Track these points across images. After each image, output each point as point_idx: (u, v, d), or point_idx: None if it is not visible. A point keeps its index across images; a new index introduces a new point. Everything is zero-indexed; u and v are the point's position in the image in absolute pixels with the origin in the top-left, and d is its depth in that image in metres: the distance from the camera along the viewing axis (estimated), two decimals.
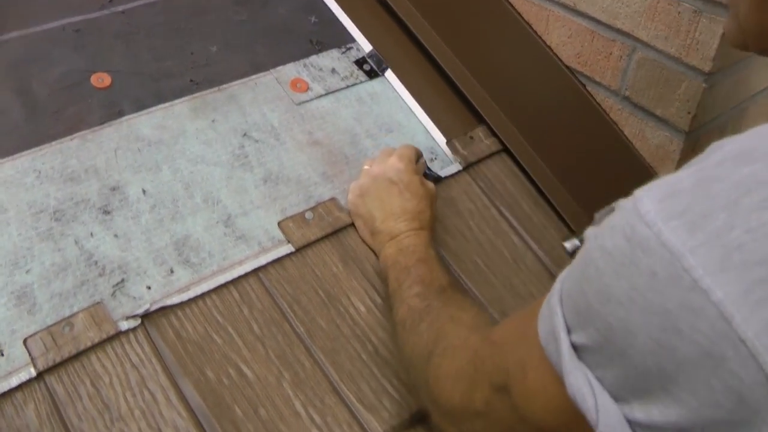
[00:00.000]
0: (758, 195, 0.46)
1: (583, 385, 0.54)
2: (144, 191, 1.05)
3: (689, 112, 1.00)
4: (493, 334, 0.74)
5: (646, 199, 0.49)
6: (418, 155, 1.12)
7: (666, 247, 0.47)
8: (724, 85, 1.01)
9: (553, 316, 0.57)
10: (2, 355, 0.88)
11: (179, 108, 1.14)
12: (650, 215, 0.48)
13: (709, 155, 0.51)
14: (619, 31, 1.04)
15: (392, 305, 0.96)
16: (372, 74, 1.27)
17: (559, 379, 0.56)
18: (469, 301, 0.93)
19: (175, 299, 0.97)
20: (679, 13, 0.96)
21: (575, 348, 0.55)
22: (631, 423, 0.52)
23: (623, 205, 0.51)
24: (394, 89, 1.27)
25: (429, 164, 1.18)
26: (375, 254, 1.06)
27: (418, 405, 0.94)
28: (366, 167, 1.11)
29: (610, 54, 1.07)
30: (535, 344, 0.60)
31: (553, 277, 1.12)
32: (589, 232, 0.54)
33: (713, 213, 0.47)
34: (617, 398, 0.52)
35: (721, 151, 0.50)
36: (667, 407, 0.49)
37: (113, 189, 1.04)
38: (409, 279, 0.95)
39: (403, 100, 1.26)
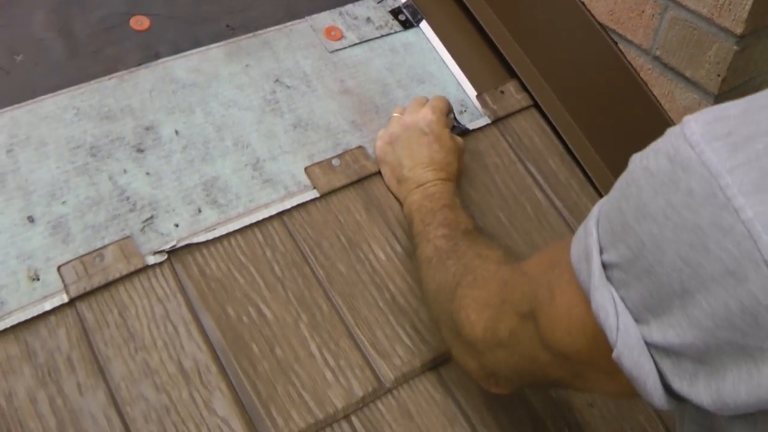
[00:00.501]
0: None
1: (607, 302, 0.55)
2: (176, 132, 1.08)
3: (719, 75, 1.00)
4: (524, 265, 0.76)
5: (693, 122, 0.50)
6: (449, 108, 1.14)
7: (706, 166, 0.47)
8: (758, 47, 1.00)
9: (587, 236, 0.58)
10: (38, 279, 0.93)
11: (214, 52, 1.17)
12: (695, 137, 0.49)
13: (765, 90, 0.52)
14: None
15: (417, 245, 0.98)
16: (407, 25, 1.28)
17: (584, 301, 0.58)
18: (497, 242, 0.94)
19: (201, 237, 1.00)
20: None
21: (605, 267, 0.56)
22: (648, 345, 0.54)
23: (671, 130, 0.52)
24: (428, 40, 1.28)
25: (458, 116, 1.19)
26: (399, 202, 1.09)
27: (442, 339, 0.96)
28: (396, 114, 1.13)
29: (643, 12, 1.06)
30: (566, 268, 0.61)
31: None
32: (634, 156, 0.55)
33: (757, 137, 0.47)
34: (638, 319, 0.54)
35: None
36: (684, 329, 0.50)
37: (147, 128, 1.07)
38: (435, 221, 0.97)
39: (436, 51, 1.27)
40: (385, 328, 1.00)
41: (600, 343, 0.56)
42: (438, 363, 1.00)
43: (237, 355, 0.94)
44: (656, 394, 0.54)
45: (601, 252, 0.56)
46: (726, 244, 0.46)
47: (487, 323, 0.77)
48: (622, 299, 0.55)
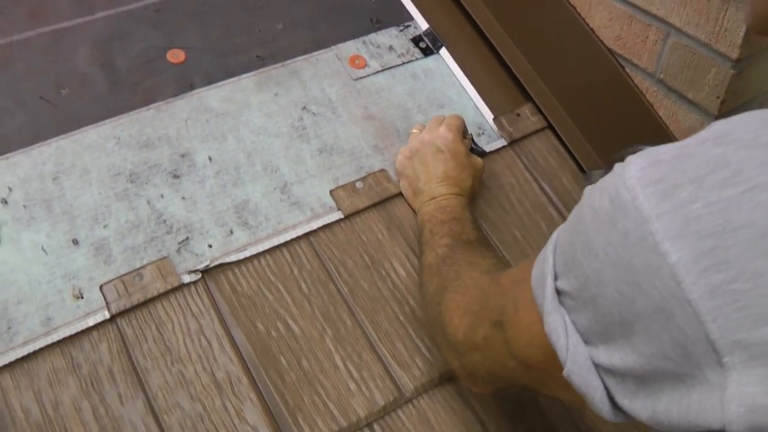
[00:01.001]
0: (722, 174, 0.51)
1: (558, 325, 0.61)
2: (210, 158, 1.15)
3: (718, 97, 1.05)
4: (501, 276, 0.83)
5: (632, 165, 0.55)
6: (465, 127, 1.20)
7: (638, 210, 0.53)
8: (754, 70, 1.05)
9: (545, 262, 0.64)
10: (82, 297, 1.01)
11: (245, 82, 1.24)
12: (632, 181, 0.54)
13: (700, 133, 0.57)
14: (654, 17, 1.09)
15: (422, 252, 1.05)
16: (427, 51, 1.35)
17: (541, 320, 0.64)
18: (491, 252, 1.01)
19: (233, 257, 1.08)
20: (709, 0, 1.01)
21: (558, 292, 0.62)
22: (596, 366, 0.59)
23: (615, 169, 0.57)
24: (448, 66, 1.34)
25: (476, 139, 1.25)
26: (414, 212, 1.15)
27: (432, 340, 1.04)
28: (415, 131, 1.20)
29: (647, 38, 1.11)
30: (528, 286, 0.67)
31: None
32: (586, 189, 0.61)
33: (683, 185, 0.52)
34: (587, 341, 0.60)
35: (708, 131, 0.56)
36: (626, 354, 0.56)
37: (183, 156, 1.15)
38: (442, 231, 1.04)
39: (455, 76, 1.33)
40: (405, 340, 1.06)
41: (555, 358, 0.62)
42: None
43: (266, 367, 1.01)
44: (604, 408, 0.60)
45: (556, 278, 0.63)
46: (656, 284, 0.52)
47: (467, 328, 0.84)
48: (573, 323, 0.61)
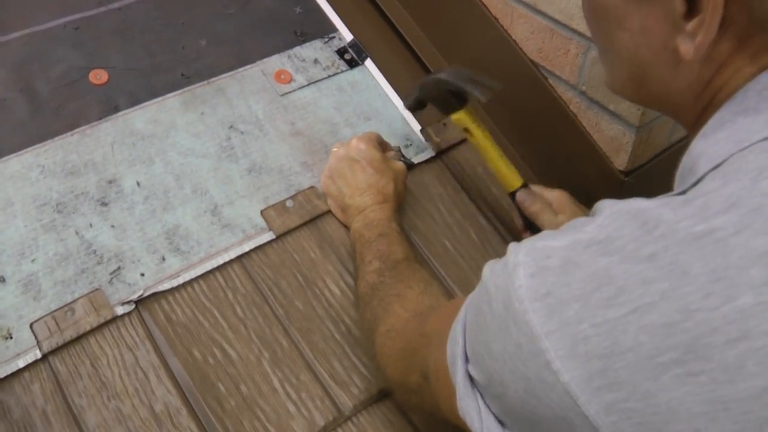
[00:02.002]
0: (607, 292, 0.53)
1: (472, 409, 0.64)
2: (138, 183, 1.14)
3: (638, 109, 1.08)
4: (426, 323, 0.84)
5: (521, 269, 0.57)
6: (381, 141, 1.21)
7: (529, 326, 0.55)
8: None
9: (455, 344, 0.66)
10: (11, 338, 1.00)
11: (171, 102, 1.23)
12: (521, 291, 0.56)
13: (586, 224, 0.59)
14: (575, 31, 1.11)
15: (356, 278, 1.07)
16: (352, 63, 1.35)
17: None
18: (418, 276, 1.02)
19: (166, 285, 1.07)
20: None
21: (470, 377, 0.65)
22: None
23: (507, 263, 0.59)
24: (374, 77, 1.35)
25: (404, 150, 1.26)
26: (347, 229, 1.16)
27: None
28: (335, 149, 1.20)
29: (568, 51, 1.14)
30: (446, 350, 0.69)
31: None
32: (486, 272, 0.63)
33: (569, 302, 0.54)
34: (502, 423, 0.63)
35: (594, 229, 0.57)
36: None
37: (110, 182, 1.14)
38: (370, 254, 1.05)
39: (381, 88, 1.34)
40: (342, 359, 1.07)
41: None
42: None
43: (205, 395, 1.01)
44: None
45: (468, 360, 0.65)
46: (552, 397, 0.55)
47: (401, 375, 0.87)
48: (487, 405, 0.63)
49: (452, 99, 1.15)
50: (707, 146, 0.61)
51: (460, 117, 1.16)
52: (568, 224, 0.62)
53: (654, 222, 0.54)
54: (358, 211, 1.12)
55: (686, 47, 0.63)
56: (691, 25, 0.61)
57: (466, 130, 1.17)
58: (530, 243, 0.60)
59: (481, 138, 1.16)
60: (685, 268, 0.52)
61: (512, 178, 1.15)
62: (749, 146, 0.57)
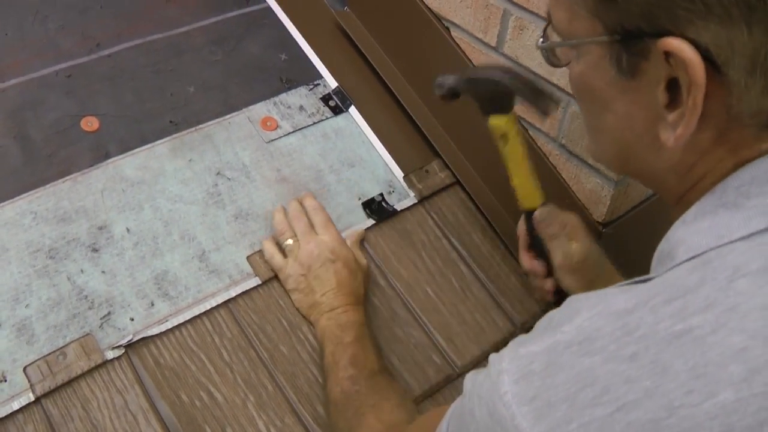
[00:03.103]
0: (592, 391, 0.54)
1: None
2: (128, 230, 1.18)
3: None
4: None
5: (505, 376, 0.58)
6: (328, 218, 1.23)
7: (518, 430, 0.56)
8: None
9: None
10: (5, 380, 1.02)
11: (160, 149, 1.27)
12: (507, 396, 0.57)
13: (562, 322, 0.60)
14: (555, 86, 1.16)
15: (326, 379, 1.08)
16: (337, 110, 1.39)
17: None
18: (393, 388, 1.05)
19: (155, 330, 1.10)
20: None
21: None
22: None
23: (490, 373, 0.61)
24: (357, 124, 1.39)
25: (387, 197, 1.30)
26: (311, 323, 1.17)
27: None
28: (290, 242, 1.19)
29: None
30: None
31: (497, 304, 1.25)
32: (468, 383, 0.65)
33: (556, 404, 0.55)
34: None
35: (572, 328, 0.59)
36: None
37: (100, 228, 1.17)
38: (345, 358, 1.07)
39: (365, 135, 1.38)
40: (327, 409, 1.11)
41: None
42: None
43: None
44: None
45: None
46: None
47: None
48: None
49: (500, 101, 1.09)
50: (687, 234, 0.63)
51: (501, 122, 1.10)
52: (541, 324, 0.64)
53: (635, 323, 0.56)
54: (329, 308, 1.13)
55: (667, 136, 0.65)
56: (672, 117, 0.64)
57: (502, 136, 1.11)
58: (512, 351, 0.61)
59: (517, 147, 1.11)
60: (666, 365, 0.54)
61: (536, 195, 1.13)
62: (728, 243, 0.59)
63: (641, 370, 0.54)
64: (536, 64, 1.17)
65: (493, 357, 0.63)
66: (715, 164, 0.66)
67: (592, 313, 0.59)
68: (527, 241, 1.16)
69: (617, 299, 0.59)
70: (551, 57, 0.80)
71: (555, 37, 0.75)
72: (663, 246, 0.67)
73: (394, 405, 1.00)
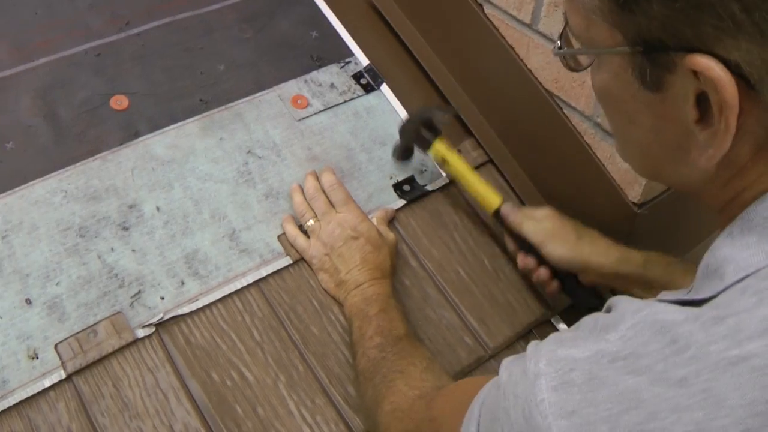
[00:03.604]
0: (637, 416, 0.51)
1: None
2: (158, 208, 1.17)
3: None
4: (433, 406, 0.84)
5: (543, 381, 0.56)
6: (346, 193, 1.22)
7: None
8: None
9: None
10: (37, 358, 1.02)
11: (190, 127, 1.26)
12: (544, 405, 0.55)
13: (607, 328, 0.57)
14: None
15: (354, 353, 1.07)
16: (368, 88, 1.37)
17: None
18: (420, 352, 1.03)
19: (185, 309, 1.10)
20: None
21: None
22: None
23: (527, 371, 0.58)
24: (389, 102, 1.37)
25: (418, 177, 1.29)
26: (339, 303, 1.15)
27: None
28: (312, 223, 1.18)
29: (584, 82, 1.16)
30: None
31: (529, 285, 1.23)
32: (504, 373, 0.62)
33: (596, 423, 0.52)
34: None
35: (616, 335, 0.56)
36: None
37: (131, 207, 1.16)
38: (371, 329, 1.05)
39: (397, 113, 1.36)
40: (356, 384, 1.10)
41: None
42: None
43: (223, 416, 1.03)
44: None
45: None
46: None
47: None
48: None
49: (426, 134, 1.23)
50: (735, 251, 0.59)
51: (437, 149, 1.22)
52: (584, 324, 0.61)
53: (684, 341, 0.53)
54: (354, 285, 1.12)
55: (698, 154, 0.62)
56: (703, 135, 0.60)
57: (443, 161, 1.23)
58: (551, 350, 0.59)
59: (458, 164, 1.22)
60: (720, 397, 0.50)
61: (493, 197, 1.20)
62: None
63: (692, 399, 0.51)
64: None
65: (531, 350, 0.60)
66: (758, 178, 0.62)
67: (637, 321, 0.56)
68: (513, 243, 1.18)
69: (664, 311, 0.56)
70: (570, 62, 0.76)
71: (574, 41, 0.70)
72: (709, 260, 0.62)
73: (421, 369, 0.98)
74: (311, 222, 1.18)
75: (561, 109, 1.22)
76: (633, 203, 1.17)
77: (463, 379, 0.90)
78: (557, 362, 0.57)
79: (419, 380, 0.96)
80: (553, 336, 0.62)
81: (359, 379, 1.05)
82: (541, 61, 1.22)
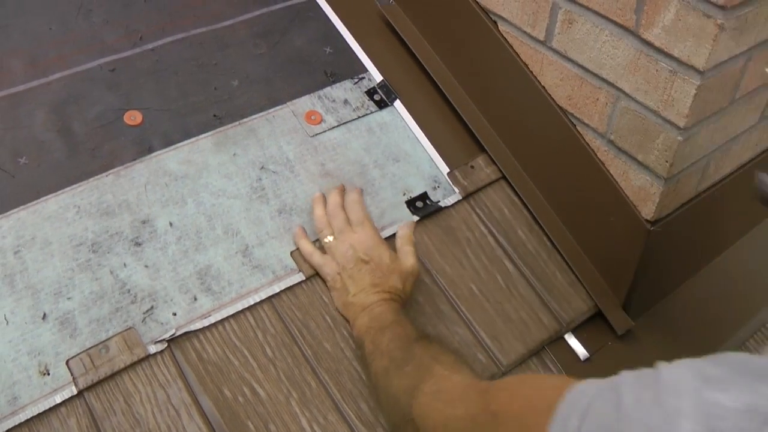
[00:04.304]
0: None
1: None
2: (171, 224, 1.17)
3: (667, 161, 1.09)
4: (492, 399, 0.79)
5: (685, 423, 0.51)
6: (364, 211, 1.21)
7: None
8: (701, 135, 1.09)
9: None
10: (48, 374, 1.02)
11: (203, 143, 1.26)
12: None
13: (761, 375, 0.52)
14: (604, 80, 1.13)
15: (370, 364, 1.04)
16: (382, 104, 1.37)
17: None
18: (445, 347, 1.01)
19: (198, 324, 1.09)
20: (657, 71, 1.05)
21: None
22: None
23: (662, 404, 0.54)
24: (402, 119, 1.37)
25: (431, 193, 1.28)
26: (348, 322, 1.14)
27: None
28: (329, 239, 1.18)
29: (597, 100, 1.15)
30: None
31: (543, 302, 1.22)
32: (628, 395, 0.57)
33: None
34: None
35: (752, 391, 0.51)
36: None
37: (144, 222, 1.16)
38: (386, 337, 1.04)
39: (410, 129, 1.36)
40: (369, 400, 1.09)
41: None
42: None
43: None
44: None
45: None
46: None
47: None
48: None
49: None
50: None
51: None
52: (731, 361, 0.56)
53: None
54: (362, 308, 1.11)
55: None
56: None
57: None
58: (695, 388, 0.54)
59: None
60: None
61: None
62: None
63: None
64: (585, 58, 1.14)
65: (668, 377, 0.56)
66: None
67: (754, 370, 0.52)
68: None
69: None
70: None
71: None
72: None
73: (453, 360, 0.95)
74: (329, 239, 1.18)
75: (574, 126, 1.22)
76: (646, 220, 1.17)
77: (520, 375, 0.84)
78: (703, 406, 0.52)
79: (457, 368, 0.93)
80: (690, 365, 0.57)
81: (378, 380, 1.02)
82: (554, 78, 1.21)
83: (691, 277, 1.37)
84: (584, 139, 1.21)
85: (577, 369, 1.20)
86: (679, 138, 1.06)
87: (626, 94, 1.11)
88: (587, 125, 1.19)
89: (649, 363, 0.59)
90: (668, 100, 1.05)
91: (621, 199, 1.18)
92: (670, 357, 0.60)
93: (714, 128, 1.11)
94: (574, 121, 1.21)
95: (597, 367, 1.21)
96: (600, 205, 1.22)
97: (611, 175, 1.19)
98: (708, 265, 1.39)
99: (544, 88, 1.24)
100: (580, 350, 1.22)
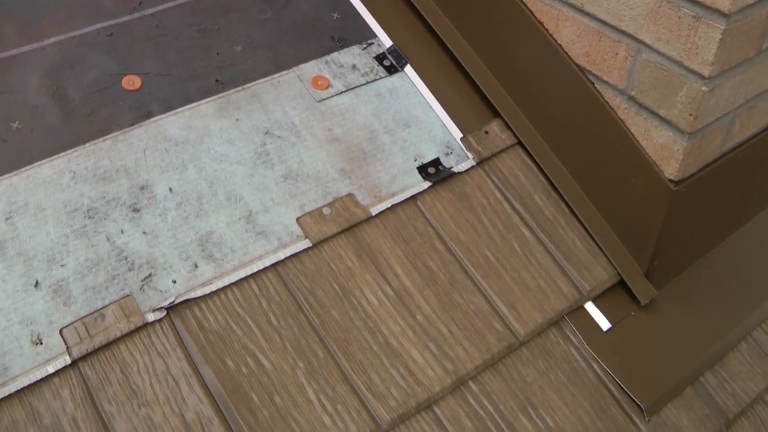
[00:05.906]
0: None
1: None
2: (171, 189, 1.12)
3: (691, 114, 1.03)
4: None
5: None
6: None
7: None
8: (727, 87, 1.04)
9: None
10: (41, 343, 0.97)
11: (205, 108, 1.21)
12: None
13: None
14: (624, 33, 1.07)
15: None
16: (391, 70, 1.32)
17: None
18: None
19: (199, 292, 1.04)
20: (680, 17, 0.99)
21: None
22: None
23: None
24: (413, 84, 1.31)
25: (444, 159, 1.23)
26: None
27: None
28: None
29: (617, 54, 1.10)
30: None
31: (562, 270, 1.16)
32: None
33: None
34: None
35: None
36: None
37: (142, 188, 1.11)
38: None
39: (421, 95, 1.30)
40: (380, 370, 1.03)
41: None
42: (432, 401, 1.03)
43: (237, 405, 0.97)
44: None
45: None
46: None
47: None
48: None
49: None
50: None
51: None
52: None
53: None
54: None
55: None
56: None
57: None
58: None
59: None
60: None
61: None
62: None
63: None
64: (603, 10, 1.08)
65: None
66: None
67: None
68: None
69: None
70: None
71: None
72: None
73: None
74: None
75: (593, 84, 1.16)
76: (670, 180, 1.10)
77: None
78: None
79: None
80: None
81: None
82: (571, 34, 1.16)
83: (717, 244, 1.30)
84: (603, 98, 1.15)
85: (600, 340, 1.14)
86: (704, 88, 1.00)
87: (647, 46, 1.05)
88: (606, 82, 1.13)
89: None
90: (692, 48, 0.99)
91: (642, 159, 1.12)
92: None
93: (740, 80, 1.05)
94: (593, 79, 1.15)
95: (620, 338, 1.15)
96: (620, 167, 1.16)
97: (632, 134, 1.13)
98: (735, 232, 1.32)
99: (560, 46, 1.18)
100: (602, 321, 1.16)
